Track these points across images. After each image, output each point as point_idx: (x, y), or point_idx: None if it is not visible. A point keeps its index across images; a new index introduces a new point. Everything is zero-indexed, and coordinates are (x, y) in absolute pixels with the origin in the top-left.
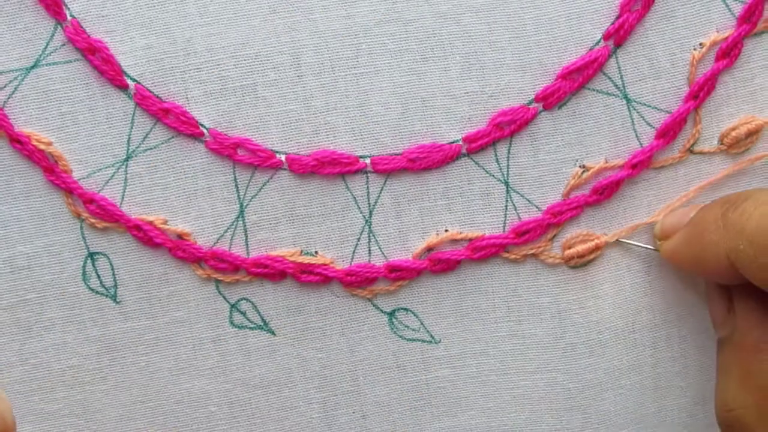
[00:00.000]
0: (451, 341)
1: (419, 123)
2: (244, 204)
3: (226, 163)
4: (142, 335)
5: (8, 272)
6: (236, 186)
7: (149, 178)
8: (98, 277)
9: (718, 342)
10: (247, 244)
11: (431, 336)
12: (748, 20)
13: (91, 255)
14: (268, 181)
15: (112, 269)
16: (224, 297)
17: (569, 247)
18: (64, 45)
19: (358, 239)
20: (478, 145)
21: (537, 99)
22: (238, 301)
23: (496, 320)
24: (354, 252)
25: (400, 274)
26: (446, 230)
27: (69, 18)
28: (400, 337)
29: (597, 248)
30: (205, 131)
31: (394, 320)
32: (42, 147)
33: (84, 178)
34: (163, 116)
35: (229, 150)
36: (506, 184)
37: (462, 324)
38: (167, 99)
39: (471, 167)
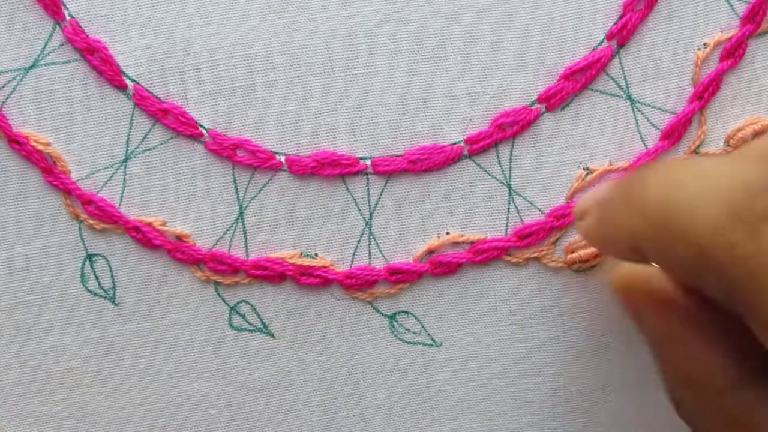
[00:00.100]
0: (453, 344)
1: (420, 124)
2: (244, 205)
3: (225, 164)
4: (140, 337)
5: (6, 274)
6: (236, 187)
7: (148, 179)
8: (97, 279)
9: None
10: (246, 246)
11: (432, 339)
12: (752, 20)
13: (90, 257)
14: (267, 183)
15: (111, 271)
16: (223, 299)
17: (572, 251)
18: (62, 45)
19: (359, 241)
20: (479, 146)
21: (539, 100)
22: (238, 303)
23: (497, 323)
24: (354, 254)
25: (400, 276)
26: (447, 233)
27: (68, 18)
28: (401, 340)
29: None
30: (204, 132)
31: (394, 323)
32: (40, 147)
33: (82, 179)
34: (162, 117)
35: (229, 151)
36: (508, 186)
37: (463, 327)
38: (166, 99)
39: (473, 169)
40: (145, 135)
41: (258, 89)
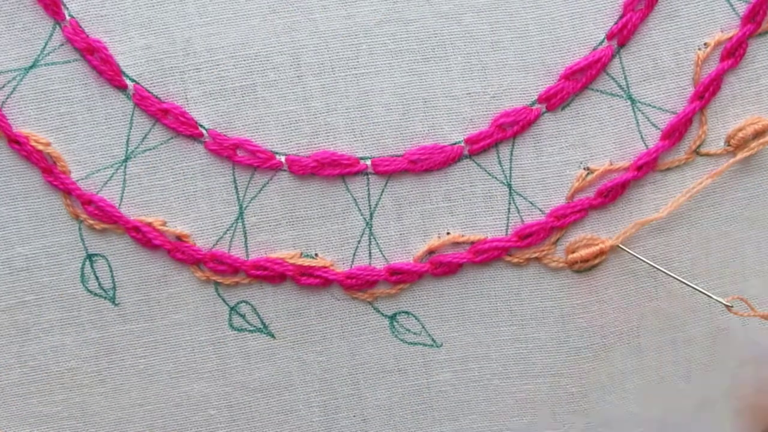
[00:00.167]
0: (453, 345)
1: (420, 124)
2: (244, 205)
3: (225, 164)
4: (140, 338)
5: (6, 274)
6: (236, 187)
7: (148, 179)
8: (97, 279)
9: None
10: (246, 246)
11: (433, 339)
12: (752, 20)
13: (90, 257)
14: (267, 183)
15: (111, 271)
16: (223, 299)
17: (573, 251)
18: (62, 45)
19: (359, 242)
20: (480, 146)
21: (540, 100)
22: (238, 303)
23: (498, 324)
24: (354, 254)
25: (401, 277)
26: (448, 233)
27: (68, 18)
28: (402, 340)
29: (602, 253)
30: (204, 132)
31: (395, 324)
32: (40, 147)
33: (83, 178)
34: (162, 117)
35: (229, 151)
36: (509, 186)
37: (464, 328)
38: (166, 99)
39: (473, 169)
40: (145, 135)
41: (258, 89)
